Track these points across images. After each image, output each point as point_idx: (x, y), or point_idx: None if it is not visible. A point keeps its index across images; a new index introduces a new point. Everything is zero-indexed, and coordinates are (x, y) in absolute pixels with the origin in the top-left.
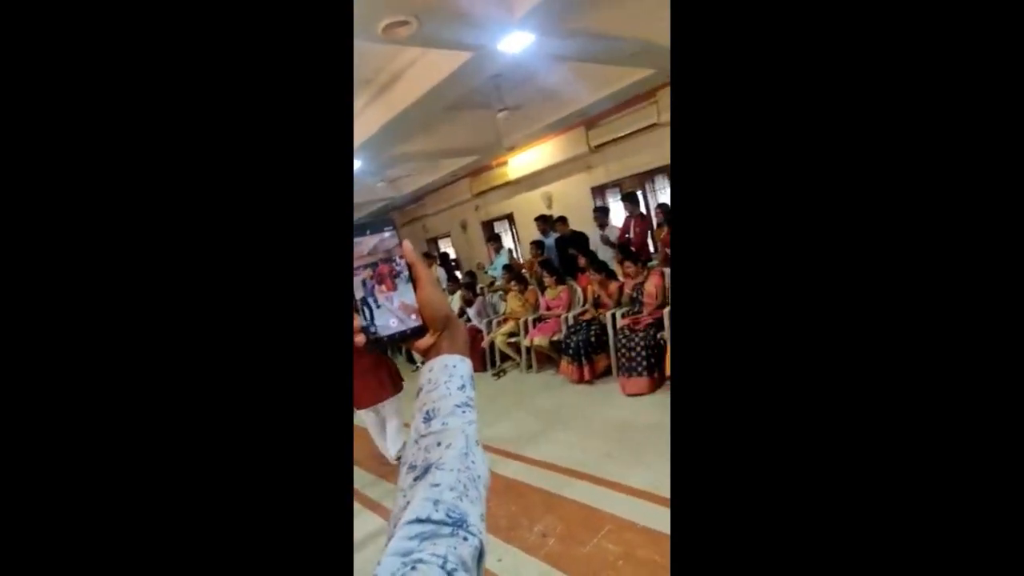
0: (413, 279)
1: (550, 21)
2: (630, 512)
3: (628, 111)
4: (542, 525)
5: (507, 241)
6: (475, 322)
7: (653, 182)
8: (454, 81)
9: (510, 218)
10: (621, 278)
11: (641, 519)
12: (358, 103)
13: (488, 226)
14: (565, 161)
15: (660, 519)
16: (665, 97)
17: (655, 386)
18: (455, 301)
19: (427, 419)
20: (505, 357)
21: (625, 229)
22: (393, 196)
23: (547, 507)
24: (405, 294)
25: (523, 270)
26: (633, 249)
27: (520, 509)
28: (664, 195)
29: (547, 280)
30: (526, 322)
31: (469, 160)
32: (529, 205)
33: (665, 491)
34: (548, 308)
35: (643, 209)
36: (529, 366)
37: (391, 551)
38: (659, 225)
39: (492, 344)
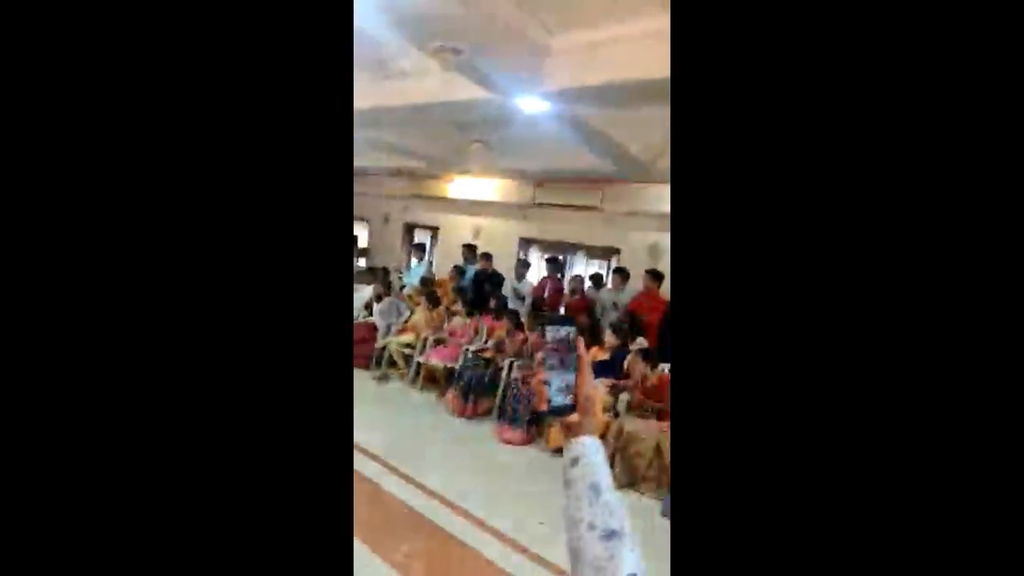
0: (577, 368)
1: (568, 103)
2: (493, 553)
3: (578, 187)
4: (408, 546)
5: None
6: (376, 319)
7: (575, 255)
8: (459, 106)
9: (434, 232)
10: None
11: (502, 562)
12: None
13: (409, 230)
14: (507, 203)
15: (519, 567)
16: (610, 188)
17: (529, 440)
18: (367, 292)
19: (596, 490)
20: (392, 363)
21: (541, 288)
22: None
23: (415, 528)
24: (569, 376)
25: (437, 289)
26: (544, 309)
27: (385, 521)
28: (579, 269)
29: (457, 308)
30: (426, 339)
31: (416, 163)
32: (456, 227)
33: (524, 539)
34: (451, 334)
35: (559, 275)
36: (414, 381)
37: None
38: (570, 292)
39: (384, 347)
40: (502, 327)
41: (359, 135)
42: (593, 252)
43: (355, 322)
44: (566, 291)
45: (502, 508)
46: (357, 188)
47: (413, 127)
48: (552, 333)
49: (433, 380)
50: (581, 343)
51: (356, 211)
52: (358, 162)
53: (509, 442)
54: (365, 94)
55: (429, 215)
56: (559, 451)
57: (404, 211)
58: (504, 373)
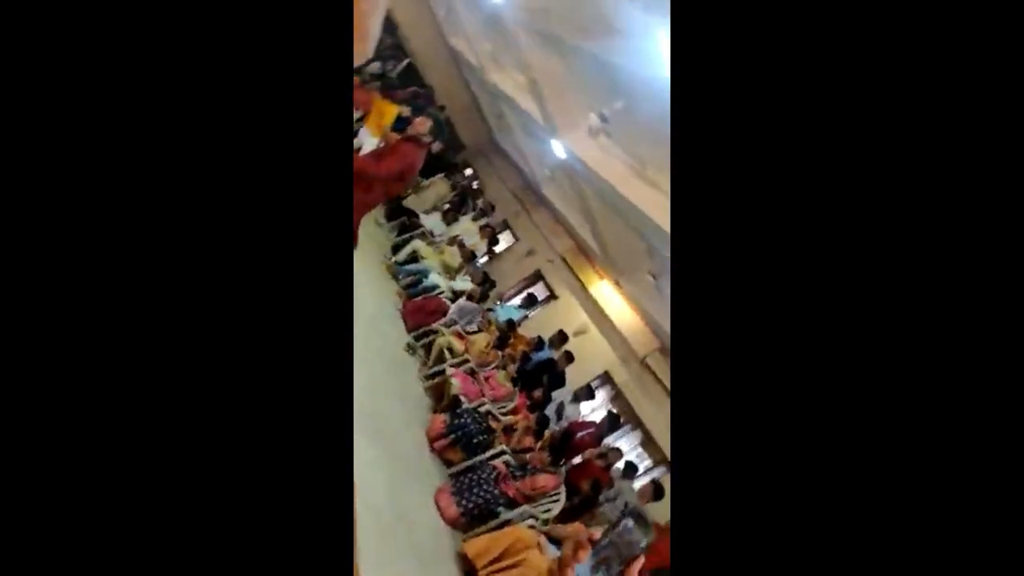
0: None
1: None
2: None
3: None
4: None
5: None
6: (452, 309)
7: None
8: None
9: (549, 296)
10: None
11: None
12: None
13: (535, 279)
14: (627, 339)
15: None
16: None
17: (456, 525)
18: (465, 283)
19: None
20: (427, 347)
21: (581, 426)
22: None
23: None
24: None
25: (512, 337)
26: (567, 444)
27: None
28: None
29: (508, 373)
30: (466, 360)
31: (598, 248)
32: (569, 311)
33: None
34: (486, 378)
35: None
36: (426, 379)
37: None
38: (598, 455)
39: (436, 332)
40: (525, 419)
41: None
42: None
43: (436, 295)
44: (596, 451)
45: None
46: (536, 216)
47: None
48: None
49: (439, 395)
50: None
51: (514, 226)
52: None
53: (440, 508)
54: None
55: (560, 279)
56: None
57: (548, 262)
58: (490, 452)
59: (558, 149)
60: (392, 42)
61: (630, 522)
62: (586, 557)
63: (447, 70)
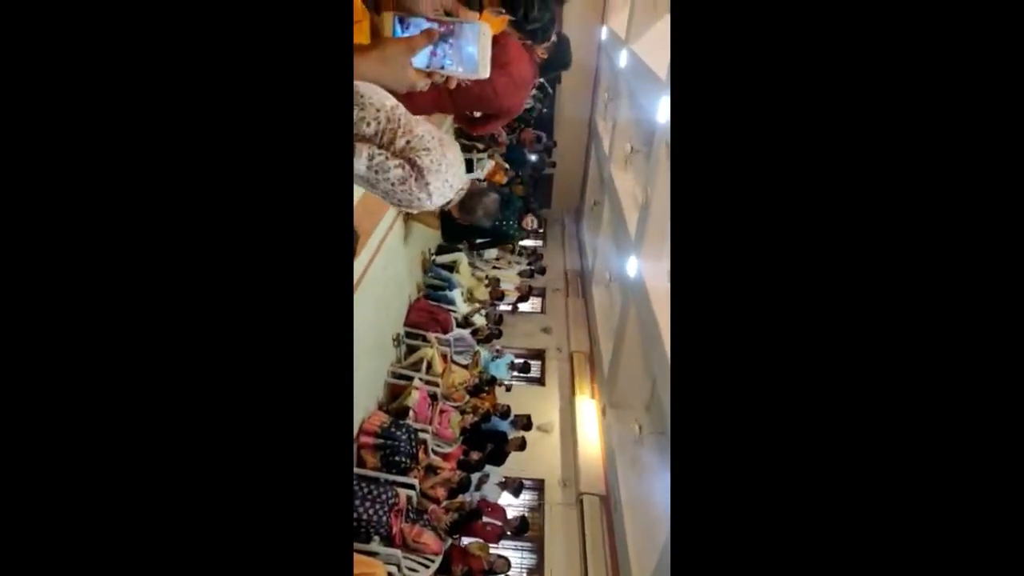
0: None
1: None
2: None
3: None
4: None
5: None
6: (452, 333)
7: None
8: None
9: (542, 359)
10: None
11: None
12: None
13: (531, 357)
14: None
15: None
16: None
17: None
18: (480, 318)
19: None
20: (411, 350)
21: (485, 511)
22: None
23: None
24: None
25: (486, 391)
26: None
27: None
28: None
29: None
30: (437, 384)
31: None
32: (539, 397)
33: None
34: (441, 411)
35: None
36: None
37: None
38: None
39: (426, 346)
40: (451, 471)
41: None
42: None
43: (448, 310)
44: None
45: None
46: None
47: None
48: None
49: (394, 396)
50: None
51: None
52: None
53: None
54: None
55: (556, 371)
56: None
57: (556, 350)
58: (403, 479)
59: (632, 267)
60: (545, 107)
61: None
62: None
63: (579, 134)
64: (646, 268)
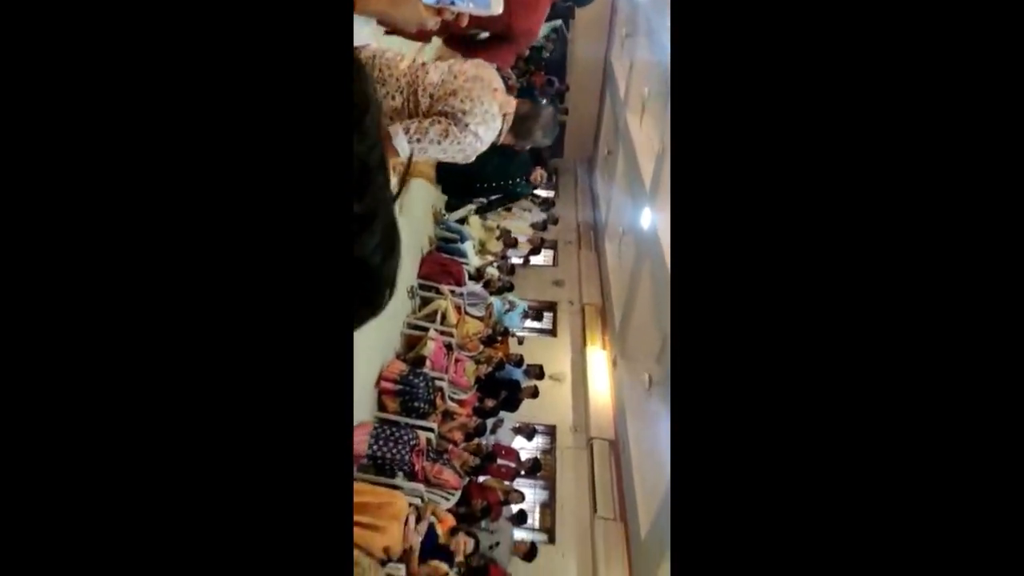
0: None
1: None
2: None
3: None
4: None
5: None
6: (466, 286)
7: None
8: None
9: (553, 305)
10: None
11: None
12: None
13: (547, 305)
14: None
15: None
16: None
17: (358, 460)
18: (492, 270)
19: None
20: (425, 302)
21: (499, 453)
22: None
23: None
24: None
25: (500, 340)
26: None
27: None
28: None
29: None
30: (451, 334)
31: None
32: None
33: None
34: (456, 360)
35: None
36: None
37: None
38: None
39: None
40: (468, 416)
41: None
42: None
43: (461, 263)
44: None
45: None
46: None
47: None
48: None
49: (410, 346)
50: None
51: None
52: None
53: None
54: None
55: (568, 323)
56: None
57: (568, 303)
58: (423, 423)
59: (646, 219)
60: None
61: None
62: None
63: (593, 78)
64: (660, 221)
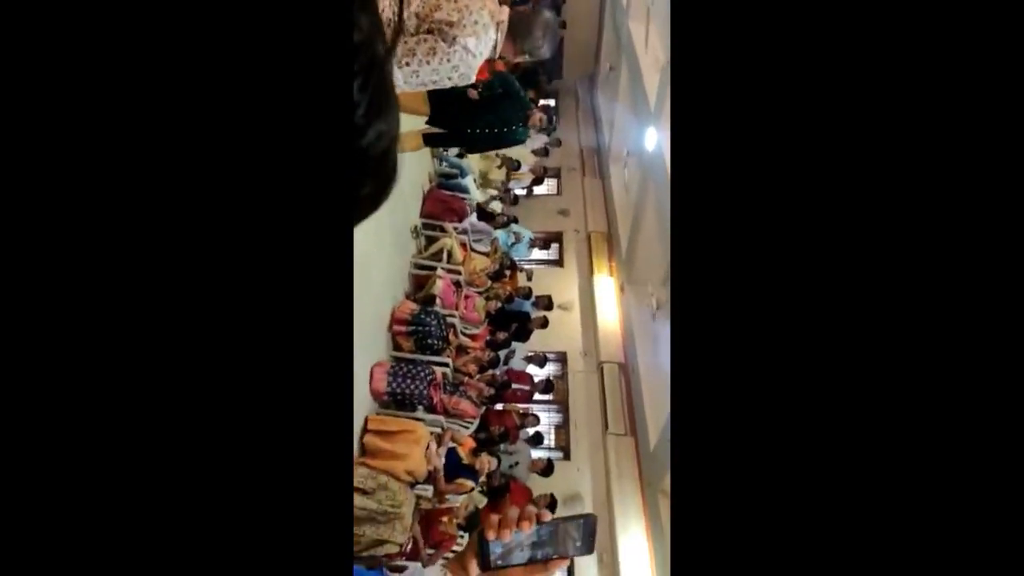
0: None
1: None
2: None
3: None
4: None
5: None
6: (469, 220)
7: None
8: None
9: (559, 242)
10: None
11: None
12: None
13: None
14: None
15: None
16: None
17: (379, 397)
18: (496, 204)
19: None
20: (431, 240)
21: (514, 380)
22: None
23: None
24: None
25: (507, 275)
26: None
27: None
28: None
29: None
30: (458, 271)
31: None
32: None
33: None
34: (466, 297)
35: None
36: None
37: None
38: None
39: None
40: (481, 350)
41: None
42: None
43: (463, 198)
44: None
45: None
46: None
47: None
48: None
49: (419, 286)
50: None
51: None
52: None
53: (372, 378)
54: None
55: (575, 252)
56: None
57: (574, 231)
58: (438, 359)
59: (651, 139)
60: None
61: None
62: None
63: None
64: (665, 140)
